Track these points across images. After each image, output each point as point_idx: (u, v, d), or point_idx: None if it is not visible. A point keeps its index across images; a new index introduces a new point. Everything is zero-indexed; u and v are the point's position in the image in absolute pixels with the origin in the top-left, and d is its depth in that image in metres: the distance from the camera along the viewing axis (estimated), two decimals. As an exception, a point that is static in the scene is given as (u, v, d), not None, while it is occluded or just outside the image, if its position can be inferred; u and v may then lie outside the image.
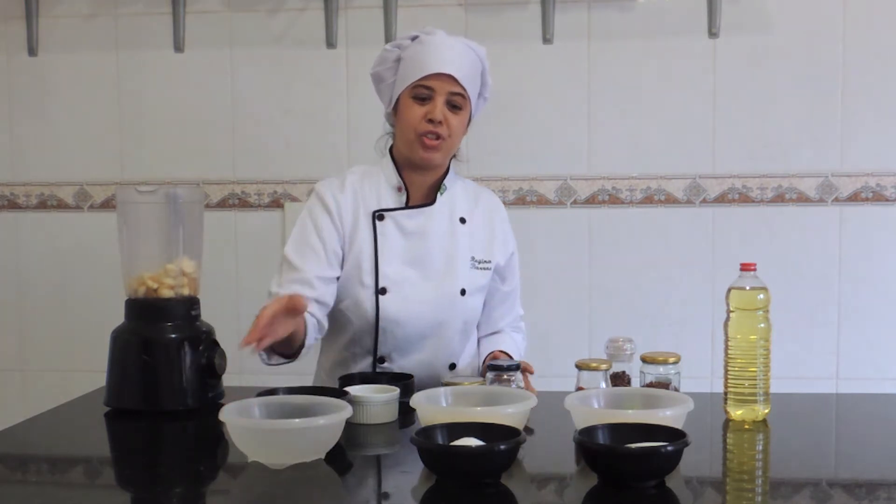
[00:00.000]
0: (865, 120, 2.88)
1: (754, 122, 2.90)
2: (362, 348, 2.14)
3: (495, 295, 2.24)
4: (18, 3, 3.07)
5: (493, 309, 2.26)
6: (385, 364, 2.14)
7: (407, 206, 2.15)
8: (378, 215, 2.13)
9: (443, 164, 2.16)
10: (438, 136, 2.07)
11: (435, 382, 2.02)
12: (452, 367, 2.17)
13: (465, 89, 2.08)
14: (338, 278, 2.12)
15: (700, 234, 2.94)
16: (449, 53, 2.08)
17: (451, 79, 2.07)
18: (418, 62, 2.08)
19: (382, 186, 2.16)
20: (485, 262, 2.18)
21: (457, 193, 2.20)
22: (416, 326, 2.11)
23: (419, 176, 2.16)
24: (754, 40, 2.89)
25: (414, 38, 2.12)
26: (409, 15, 2.94)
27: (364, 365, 2.15)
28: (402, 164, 2.16)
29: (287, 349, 2.01)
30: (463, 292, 2.14)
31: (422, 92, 2.07)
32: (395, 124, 2.17)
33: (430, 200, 2.16)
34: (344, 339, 2.17)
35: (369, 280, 2.10)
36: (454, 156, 2.22)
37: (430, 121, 2.06)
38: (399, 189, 2.15)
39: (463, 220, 2.18)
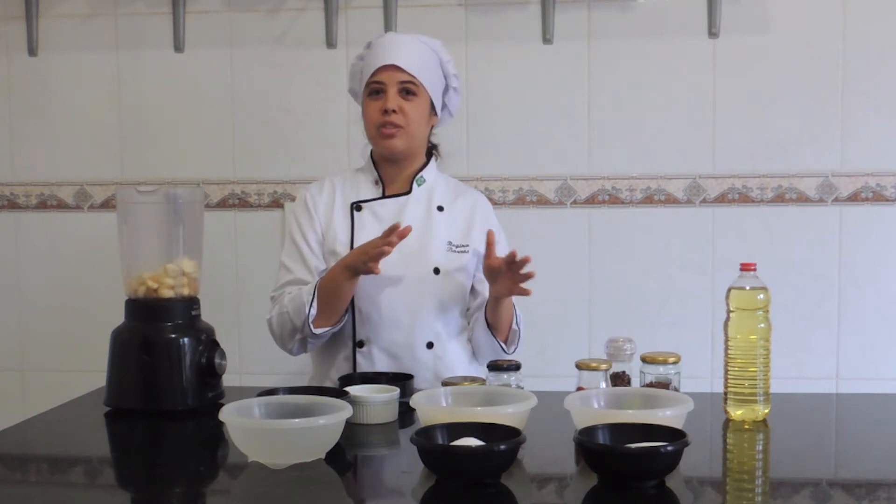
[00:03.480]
0: (865, 120, 2.87)
1: (754, 122, 2.90)
2: (343, 333, 2.20)
3: (484, 284, 2.27)
4: (18, 3, 3.07)
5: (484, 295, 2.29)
6: (364, 348, 2.19)
7: (383, 196, 2.26)
8: (356, 206, 2.24)
9: (408, 151, 2.25)
10: (395, 125, 2.18)
11: (414, 363, 2.16)
12: (430, 345, 2.21)
13: (414, 77, 2.19)
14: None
15: (700, 234, 2.93)
16: (396, 47, 2.21)
17: (397, 69, 2.19)
18: (369, 63, 2.23)
19: (362, 182, 2.30)
20: (462, 245, 2.25)
21: (437, 186, 2.31)
22: (390, 305, 2.18)
23: (394, 169, 2.28)
24: (754, 40, 2.88)
25: (368, 45, 2.26)
26: (409, 15, 2.94)
27: (346, 352, 2.21)
28: (378, 160, 2.29)
29: (338, 318, 2.15)
30: (437, 271, 2.20)
31: (374, 87, 2.21)
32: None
33: (406, 191, 2.27)
34: None
35: None
36: (435, 151, 2.34)
37: (385, 111, 2.17)
38: (376, 182, 2.28)
39: (441, 209, 2.27)
